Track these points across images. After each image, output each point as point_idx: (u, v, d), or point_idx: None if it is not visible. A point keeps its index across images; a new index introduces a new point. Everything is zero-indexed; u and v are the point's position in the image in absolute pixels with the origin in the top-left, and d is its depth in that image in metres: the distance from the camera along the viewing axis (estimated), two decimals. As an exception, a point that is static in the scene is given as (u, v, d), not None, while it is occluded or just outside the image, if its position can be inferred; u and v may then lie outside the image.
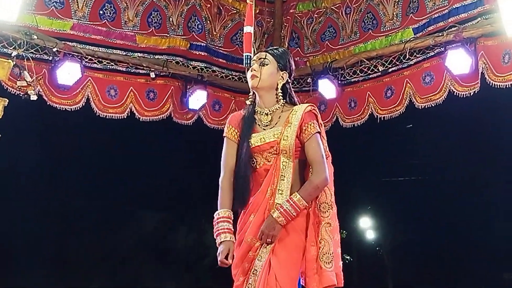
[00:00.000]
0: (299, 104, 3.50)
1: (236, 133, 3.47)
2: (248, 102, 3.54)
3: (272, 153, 3.37)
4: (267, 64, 3.43)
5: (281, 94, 3.45)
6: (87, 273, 11.70)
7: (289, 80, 3.51)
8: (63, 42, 5.73)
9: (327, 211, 3.34)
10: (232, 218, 3.37)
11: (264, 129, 3.42)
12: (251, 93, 3.52)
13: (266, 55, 3.46)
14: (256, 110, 3.48)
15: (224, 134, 3.52)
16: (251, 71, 3.43)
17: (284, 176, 3.32)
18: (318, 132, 3.37)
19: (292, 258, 3.27)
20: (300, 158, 3.38)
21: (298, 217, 3.31)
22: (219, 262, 3.27)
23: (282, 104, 3.45)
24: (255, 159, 3.40)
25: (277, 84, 3.45)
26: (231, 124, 3.51)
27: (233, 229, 3.36)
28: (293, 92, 3.54)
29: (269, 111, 3.43)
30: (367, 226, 15.65)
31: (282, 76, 3.46)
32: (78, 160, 10.74)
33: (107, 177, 11.24)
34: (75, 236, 11.90)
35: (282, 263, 3.24)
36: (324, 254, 3.27)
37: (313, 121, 3.38)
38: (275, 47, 3.61)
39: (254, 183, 3.40)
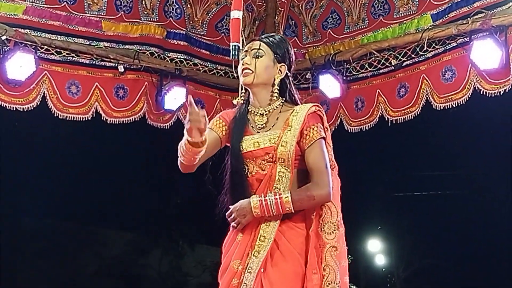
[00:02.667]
0: (301, 103, 3.51)
1: (224, 127, 3.49)
2: (235, 102, 3.55)
3: (267, 160, 3.38)
4: (261, 56, 3.42)
5: (278, 91, 3.46)
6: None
7: (289, 74, 3.51)
8: (13, 28, 5.73)
9: (332, 232, 3.35)
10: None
11: (259, 132, 3.43)
12: (242, 90, 3.53)
13: (260, 44, 3.45)
14: (249, 110, 3.49)
15: (207, 126, 3.39)
16: (243, 64, 3.43)
17: (279, 189, 3.33)
18: (323, 138, 3.38)
19: (290, 288, 3.30)
20: (300, 168, 3.39)
21: (296, 238, 3.34)
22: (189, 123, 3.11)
23: (281, 103, 3.45)
24: (247, 166, 3.41)
25: (274, 79, 3.45)
26: (221, 118, 3.53)
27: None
28: (293, 88, 3.55)
29: (265, 111, 3.44)
30: (376, 250, 15.70)
31: (279, 70, 3.45)
32: (28, 169, 10.70)
33: (64, 190, 11.22)
34: (25, 261, 11.87)
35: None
36: (329, 283, 3.27)
37: (318, 124, 3.38)
38: (270, 34, 3.60)
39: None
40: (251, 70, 3.41)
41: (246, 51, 3.47)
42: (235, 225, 3.33)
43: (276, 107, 3.45)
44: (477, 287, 13.25)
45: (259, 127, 3.44)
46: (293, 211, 3.30)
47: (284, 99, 3.47)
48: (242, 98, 3.53)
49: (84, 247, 12.81)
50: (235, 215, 3.31)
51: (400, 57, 6.19)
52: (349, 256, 6.34)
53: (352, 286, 6.66)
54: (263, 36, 3.54)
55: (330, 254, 3.32)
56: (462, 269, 13.52)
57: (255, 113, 3.46)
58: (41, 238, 12.01)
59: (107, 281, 12.88)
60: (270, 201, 3.27)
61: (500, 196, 12.38)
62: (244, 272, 3.31)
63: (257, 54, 3.44)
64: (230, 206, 3.37)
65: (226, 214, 3.36)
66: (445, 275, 13.93)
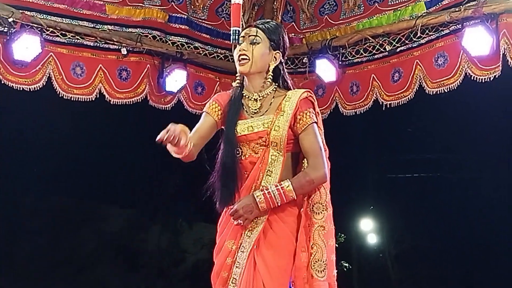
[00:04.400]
0: (293, 88, 3.56)
1: (219, 111, 3.54)
2: (234, 84, 3.58)
3: (260, 144, 3.43)
4: (258, 43, 3.47)
5: (272, 77, 3.51)
6: (41, 280, 11.71)
7: (282, 61, 3.56)
8: (20, 11, 5.78)
9: (320, 212, 3.42)
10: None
11: (252, 117, 3.47)
12: (238, 74, 3.56)
13: (257, 31, 3.49)
14: (244, 94, 3.53)
15: (204, 110, 3.59)
16: (240, 50, 3.47)
17: (271, 172, 3.40)
18: (315, 122, 3.44)
19: (282, 265, 3.36)
20: (292, 152, 3.46)
21: (288, 217, 3.41)
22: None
23: (274, 89, 3.50)
24: (240, 149, 3.46)
25: (269, 66, 3.50)
26: (216, 101, 3.57)
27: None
28: (286, 74, 3.60)
29: (259, 97, 3.49)
30: (368, 229, 15.71)
31: (274, 57, 3.50)
32: (29, 148, 10.71)
33: (64, 167, 11.21)
34: (26, 238, 11.89)
35: (271, 270, 3.32)
36: (316, 261, 3.35)
37: (310, 109, 3.44)
38: (265, 21, 3.63)
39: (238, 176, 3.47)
40: (247, 57, 3.46)
41: (243, 37, 3.51)
42: (241, 222, 3.36)
43: (269, 92, 3.50)
44: (471, 270, 13.29)
45: (253, 111, 3.50)
46: (295, 198, 3.38)
47: (277, 84, 3.53)
48: (238, 81, 3.57)
49: (83, 223, 12.81)
50: (241, 212, 3.33)
51: (394, 43, 6.26)
52: (343, 235, 6.49)
53: (345, 264, 6.78)
54: (259, 23, 3.58)
55: (318, 233, 3.40)
56: (452, 248, 13.56)
57: (249, 98, 3.51)
58: (41, 214, 12.00)
59: (106, 256, 12.91)
60: (273, 193, 3.33)
61: (491, 179, 12.40)
62: (238, 251, 3.40)
63: (254, 40, 3.48)
64: (233, 203, 3.40)
65: (230, 213, 3.38)
66: (435, 254, 13.96)
